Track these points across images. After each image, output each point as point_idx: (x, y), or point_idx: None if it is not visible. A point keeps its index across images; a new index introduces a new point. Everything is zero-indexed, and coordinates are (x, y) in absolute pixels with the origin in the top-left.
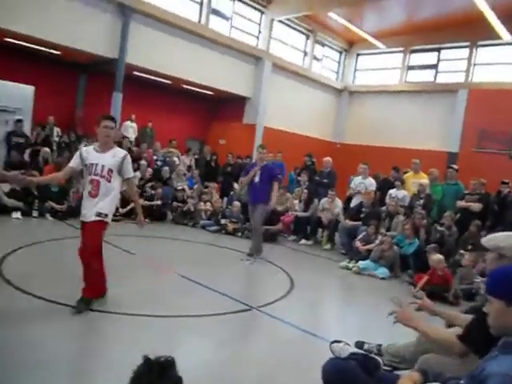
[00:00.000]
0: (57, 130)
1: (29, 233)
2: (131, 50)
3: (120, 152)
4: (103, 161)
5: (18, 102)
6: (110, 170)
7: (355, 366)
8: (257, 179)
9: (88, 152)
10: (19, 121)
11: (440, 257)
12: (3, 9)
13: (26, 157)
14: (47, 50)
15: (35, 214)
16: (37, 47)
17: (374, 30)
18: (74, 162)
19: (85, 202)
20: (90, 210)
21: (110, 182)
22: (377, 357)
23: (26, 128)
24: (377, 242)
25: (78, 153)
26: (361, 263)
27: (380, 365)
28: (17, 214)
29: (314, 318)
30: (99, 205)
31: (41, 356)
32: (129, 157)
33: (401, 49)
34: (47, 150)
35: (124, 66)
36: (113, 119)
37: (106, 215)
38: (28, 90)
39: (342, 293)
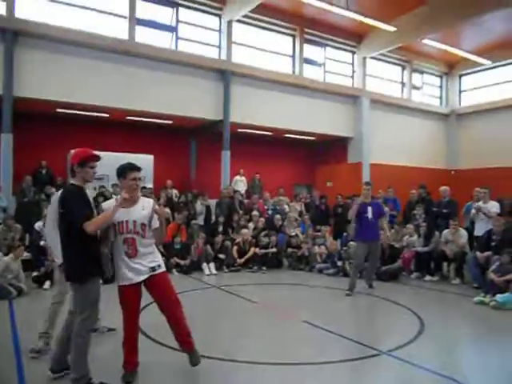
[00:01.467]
0: (175, 192)
1: None
2: (234, 110)
3: (148, 202)
4: (134, 216)
5: (142, 171)
6: (143, 225)
7: None
8: (370, 215)
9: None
10: (144, 187)
11: None
12: (121, 92)
13: None
14: (161, 121)
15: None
16: (152, 120)
17: (474, 47)
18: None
19: (124, 264)
20: (137, 270)
21: (144, 237)
22: None
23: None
24: None
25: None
26: (499, 297)
27: None
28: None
29: (452, 362)
30: (147, 260)
31: None
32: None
33: (509, 61)
34: (168, 210)
35: (229, 125)
36: (140, 169)
37: (160, 265)
38: (148, 159)
39: (482, 331)
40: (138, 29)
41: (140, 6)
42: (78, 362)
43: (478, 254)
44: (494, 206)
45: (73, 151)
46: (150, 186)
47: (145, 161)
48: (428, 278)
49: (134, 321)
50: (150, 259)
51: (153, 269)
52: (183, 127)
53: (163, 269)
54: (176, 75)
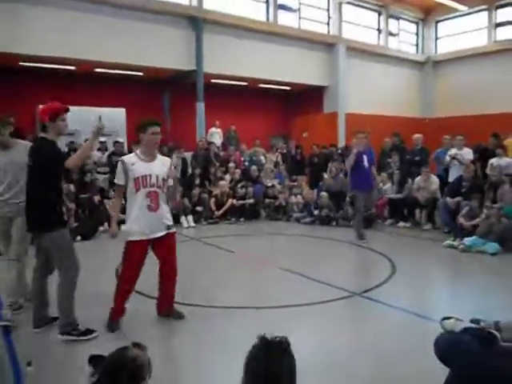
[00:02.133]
0: None
1: None
2: (207, 60)
3: (166, 160)
4: (156, 170)
5: (114, 125)
6: (164, 180)
7: (470, 340)
8: (366, 164)
9: (133, 163)
10: (117, 142)
11: None
12: (88, 43)
13: None
14: (131, 72)
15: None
16: (122, 72)
17: None
18: (122, 179)
19: (144, 217)
20: (157, 225)
21: (163, 192)
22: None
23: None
24: (482, 216)
25: (120, 167)
26: (467, 240)
27: (498, 338)
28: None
29: (422, 300)
30: (165, 217)
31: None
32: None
33: (485, 6)
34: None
35: (202, 75)
36: (159, 124)
37: (173, 226)
38: (120, 112)
39: (450, 273)
40: None
41: None
42: (65, 309)
43: (448, 199)
44: (468, 153)
45: (41, 107)
46: (121, 140)
47: (116, 114)
48: (401, 224)
49: (137, 274)
50: (168, 216)
51: (168, 227)
52: (155, 79)
53: (174, 229)
54: (145, 23)
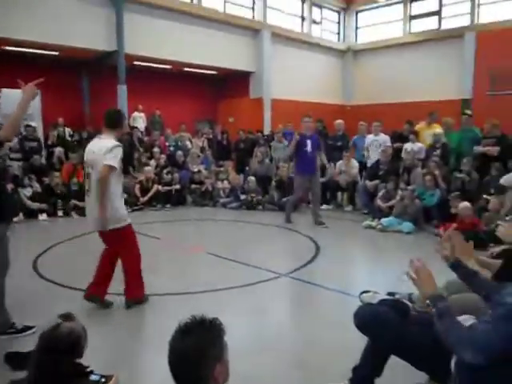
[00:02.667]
0: (68, 130)
1: (56, 232)
2: (128, 41)
3: None
4: None
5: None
6: None
7: (387, 310)
8: (309, 149)
9: None
10: (28, 126)
11: (467, 204)
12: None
13: (43, 160)
14: (45, 52)
15: (60, 213)
16: (35, 51)
17: None
18: (118, 162)
19: (122, 203)
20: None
21: None
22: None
23: (39, 132)
24: (398, 197)
25: (120, 150)
26: (384, 220)
27: (410, 308)
28: (43, 216)
29: (343, 278)
30: None
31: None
32: None
33: None
34: (61, 149)
35: (124, 57)
36: None
37: None
38: None
39: (369, 251)
40: None
41: None
42: None
43: (367, 182)
44: (386, 141)
45: None
46: (33, 124)
47: None
48: (324, 206)
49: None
50: None
51: None
52: (73, 59)
53: None
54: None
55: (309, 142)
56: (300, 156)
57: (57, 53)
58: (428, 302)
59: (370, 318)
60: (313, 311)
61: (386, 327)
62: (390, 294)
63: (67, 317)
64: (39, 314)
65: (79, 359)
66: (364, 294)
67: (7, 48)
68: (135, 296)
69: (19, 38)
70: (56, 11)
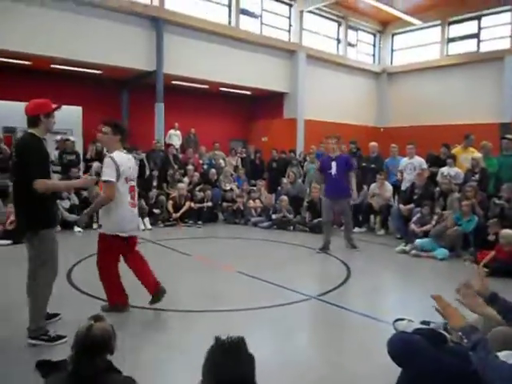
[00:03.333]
0: None
1: (90, 244)
2: (167, 61)
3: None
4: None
5: (69, 124)
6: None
7: (422, 339)
8: (333, 171)
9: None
10: (67, 140)
11: (510, 232)
12: (44, 38)
13: (81, 173)
14: (89, 70)
15: (95, 226)
16: (80, 69)
17: (407, 7)
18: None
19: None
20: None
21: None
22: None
23: (79, 146)
24: (433, 222)
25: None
26: (418, 241)
27: (447, 338)
28: (78, 228)
29: (375, 303)
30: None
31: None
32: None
33: (438, 22)
34: (98, 164)
35: (162, 76)
36: (106, 123)
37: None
38: (76, 110)
39: (401, 277)
40: None
41: None
42: (37, 313)
43: (401, 206)
44: (421, 163)
45: (36, 101)
46: (72, 138)
47: (72, 113)
48: (356, 229)
49: (116, 265)
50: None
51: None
52: (114, 78)
53: (101, 229)
54: (105, 21)
55: (334, 164)
56: (326, 178)
57: (100, 71)
58: (460, 333)
59: (403, 346)
60: (341, 336)
61: (420, 356)
62: (424, 322)
63: (98, 318)
64: (71, 323)
65: (111, 356)
66: (398, 322)
67: (54, 66)
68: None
69: (65, 58)
70: (100, 33)
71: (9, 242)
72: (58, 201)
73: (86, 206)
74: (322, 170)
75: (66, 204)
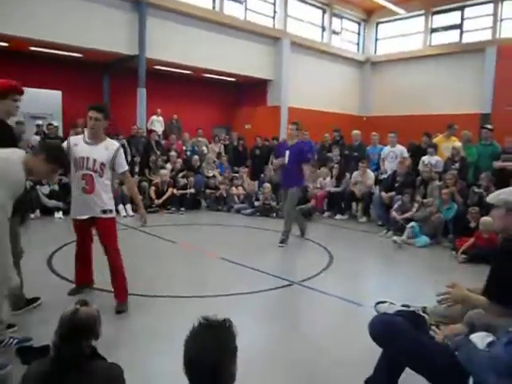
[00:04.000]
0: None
1: (71, 230)
2: (150, 45)
3: (113, 144)
4: (95, 154)
5: (48, 108)
6: (103, 164)
7: (403, 321)
8: (286, 160)
9: (77, 144)
10: (50, 124)
11: (490, 219)
12: (23, 18)
13: None
14: (70, 54)
15: None
16: (59, 52)
17: None
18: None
19: (78, 199)
20: (89, 208)
21: (102, 176)
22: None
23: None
24: (414, 210)
25: (65, 144)
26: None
27: (427, 320)
28: (59, 214)
29: (357, 288)
30: (100, 201)
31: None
32: (122, 150)
33: (422, 12)
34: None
35: (145, 61)
36: (98, 109)
37: (111, 211)
38: (56, 95)
39: (383, 263)
40: None
41: None
42: None
43: (382, 193)
44: (403, 152)
45: None
46: (56, 123)
47: (52, 97)
48: (338, 216)
49: (81, 246)
50: (105, 200)
51: (104, 211)
52: (95, 62)
53: (112, 215)
54: (87, 2)
55: (287, 153)
56: (280, 166)
57: (81, 55)
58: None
59: (384, 327)
60: (325, 321)
61: (402, 337)
62: (404, 306)
63: (84, 303)
64: (52, 307)
65: (96, 340)
66: (380, 305)
67: (33, 48)
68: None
69: (45, 40)
70: (81, 15)
71: None
72: (38, 186)
73: (67, 192)
74: (277, 157)
75: (46, 190)
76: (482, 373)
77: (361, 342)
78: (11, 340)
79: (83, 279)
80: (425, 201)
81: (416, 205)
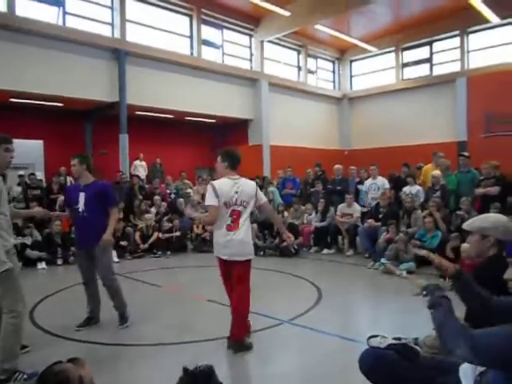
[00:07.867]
0: (70, 179)
1: (55, 280)
2: (130, 91)
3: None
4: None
5: (30, 158)
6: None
7: (394, 354)
8: (81, 207)
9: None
10: (32, 174)
11: (467, 245)
12: (2, 71)
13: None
14: (50, 103)
15: (59, 261)
16: (40, 102)
17: (363, 35)
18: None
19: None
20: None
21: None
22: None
23: (42, 182)
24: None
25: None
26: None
27: (419, 353)
28: (42, 265)
29: (347, 323)
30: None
31: None
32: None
33: (392, 48)
34: (62, 198)
35: (126, 107)
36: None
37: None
38: (37, 144)
39: (371, 295)
40: (19, 1)
41: None
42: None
43: (365, 224)
44: (385, 184)
45: None
46: (38, 173)
47: (33, 146)
48: (325, 251)
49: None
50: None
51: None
52: (76, 110)
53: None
54: (64, 53)
55: (82, 196)
56: (74, 218)
57: (61, 104)
58: (424, 292)
59: (375, 363)
60: (315, 359)
61: (392, 370)
62: (395, 339)
63: (73, 360)
64: (34, 361)
65: None
66: (372, 339)
67: (13, 100)
68: (240, 337)
69: (25, 91)
70: (61, 64)
71: None
72: (20, 238)
73: (50, 241)
74: (68, 205)
75: (28, 240)
76: (451, 340)
77: (351, 379)
78: (20, 375)
79: None
80: (406, 230)
81: (401, 235)
